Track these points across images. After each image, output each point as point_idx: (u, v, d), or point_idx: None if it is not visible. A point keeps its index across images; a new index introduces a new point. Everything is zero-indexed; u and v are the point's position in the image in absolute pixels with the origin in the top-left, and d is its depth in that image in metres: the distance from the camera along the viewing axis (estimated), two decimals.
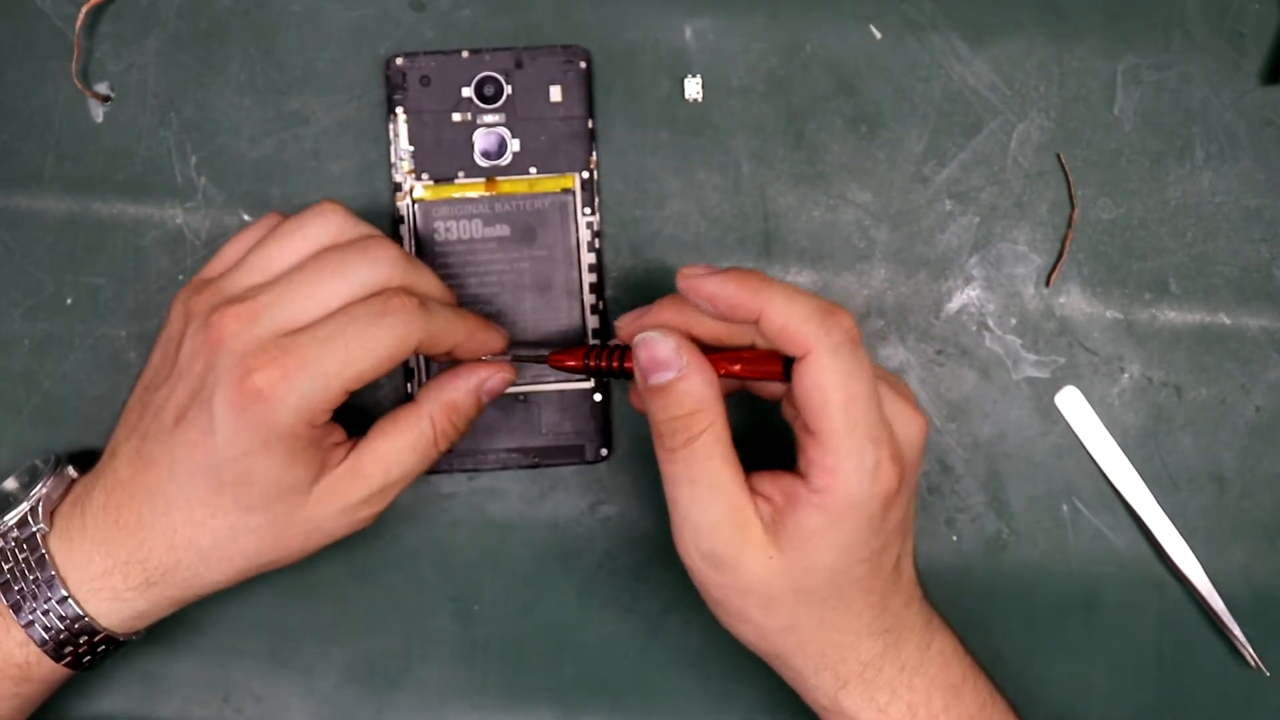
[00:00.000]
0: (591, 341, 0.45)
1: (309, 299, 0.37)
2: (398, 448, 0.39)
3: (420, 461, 0.40)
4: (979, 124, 0.46)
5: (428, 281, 0.40)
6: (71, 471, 0.41)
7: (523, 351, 0.42)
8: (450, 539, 0.46)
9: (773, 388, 0.39)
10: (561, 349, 0.40)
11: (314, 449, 0.38)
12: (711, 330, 0.37)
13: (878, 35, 0.46)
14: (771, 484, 0.37)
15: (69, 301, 0.45)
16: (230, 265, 0.40)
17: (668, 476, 0.37)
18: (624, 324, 0.39)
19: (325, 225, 0.39)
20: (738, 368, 0.37)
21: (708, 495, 0.36)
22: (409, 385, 0.45)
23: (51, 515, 0.39)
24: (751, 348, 0.37)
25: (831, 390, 0.35)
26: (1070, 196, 0.46)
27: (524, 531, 0.46)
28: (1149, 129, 0.46)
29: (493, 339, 0.41)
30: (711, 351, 0.37)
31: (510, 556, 0.46)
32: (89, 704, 0.45)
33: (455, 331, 0.39)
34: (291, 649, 0.46)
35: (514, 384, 0.44)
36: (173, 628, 0.45)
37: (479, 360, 0.41)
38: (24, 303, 0.45)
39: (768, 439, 0.43)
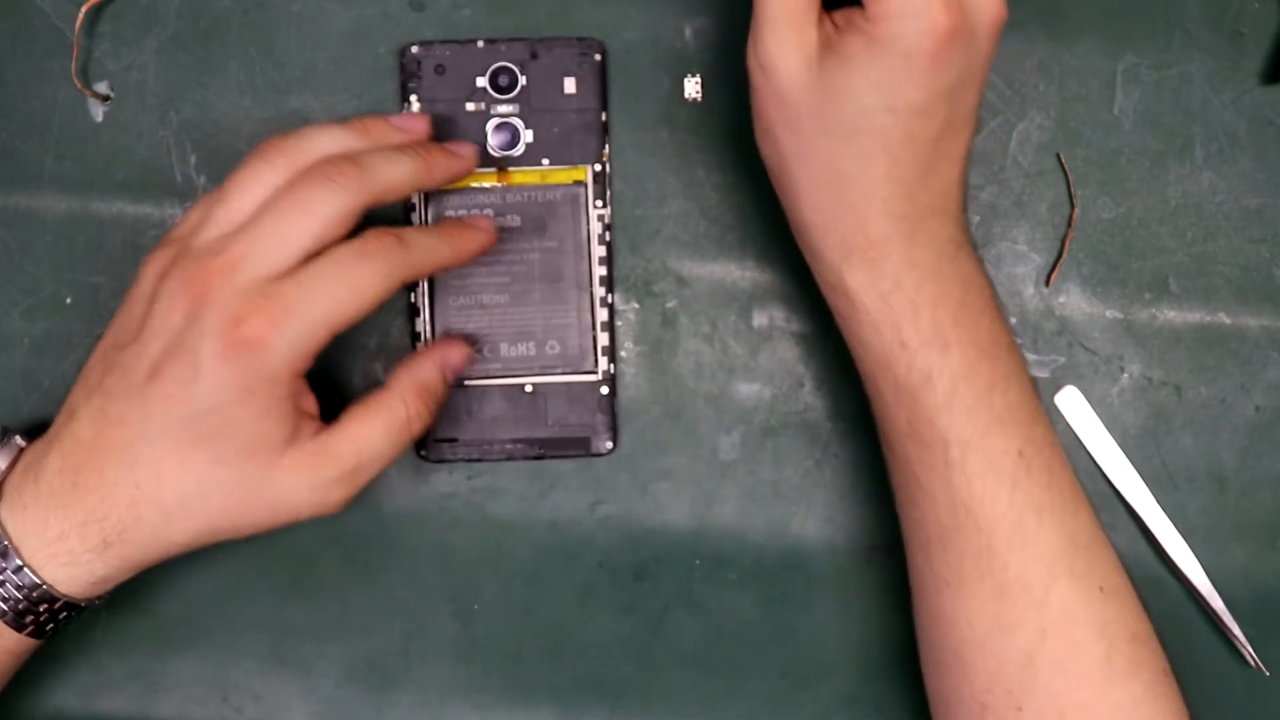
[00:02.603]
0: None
1: (283, 243, 0.37)
2: (370, 430, 0.39)
3: (393, 445, 0.40)
4: (978, 123, 0.46)
5: (389, 174, 0.39)
6: (19, 441, 0.41)
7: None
8: (450, 538, 0.46)
9: None
10: None
11: (290, 404, 0.38)
12: None
13: None
14: (844, 13, 0.37)
15: (68, 301, 0.45)
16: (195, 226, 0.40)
17: None
18: None
19: (273, 164, 0.39)
20: None
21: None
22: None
23: (1, 486, 0.39)
24: None
25: None
26: (1070, 196, 0.46)
27: (524, 531, 0.46)
28: (1149, 128, 0.46)
29: (480, 238, 0.42)
30: None
31: (510, 556, 0.46)
32: (88, 703, 0.45)
33: (440, 253, 0.40)
34: (291, 649, 0.46)
35: (518, 375, 0.45)
36: (173, 627, 0.45)
37: (439, 341, 0.43)
38: (23, 302, 0.45)
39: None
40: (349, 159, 0.39)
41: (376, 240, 0.38)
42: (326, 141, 0.40)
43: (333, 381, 0.45)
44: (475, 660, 0.46)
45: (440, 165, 0.41)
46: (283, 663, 0.46)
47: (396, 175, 0.39)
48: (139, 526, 0.38)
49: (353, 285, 0.38)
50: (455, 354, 0.42)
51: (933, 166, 0.38)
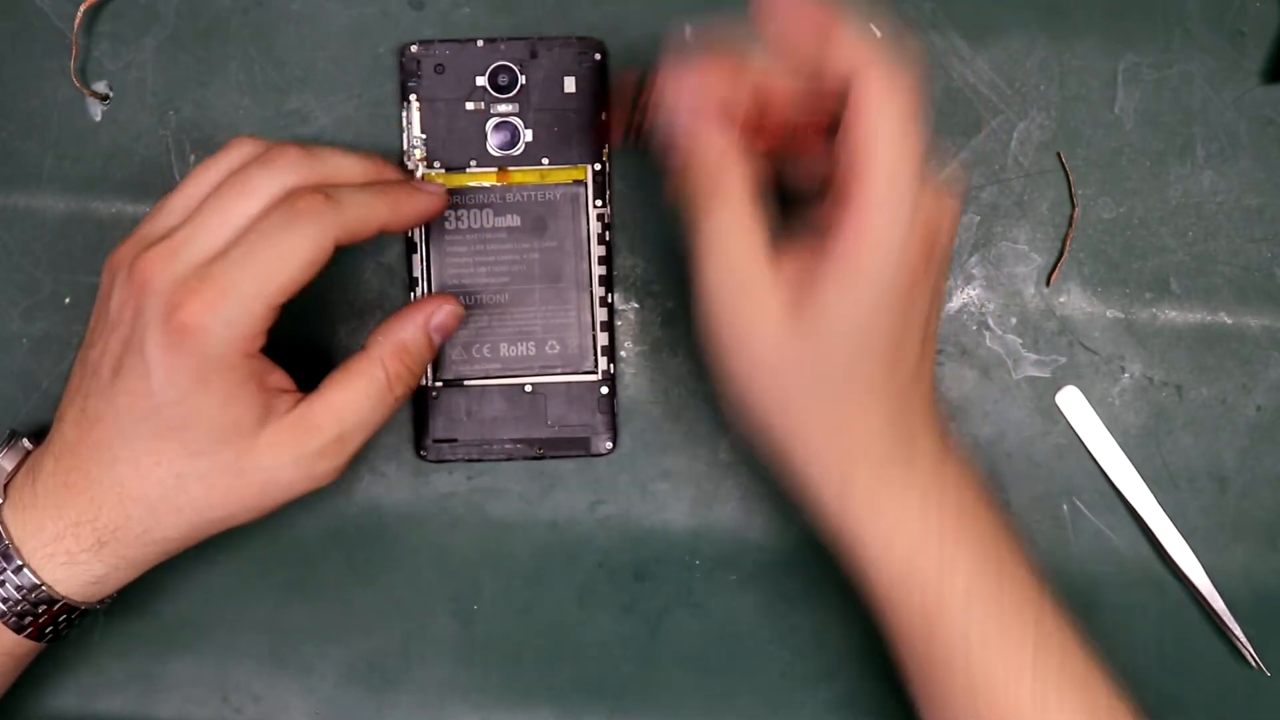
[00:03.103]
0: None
1: (221, 225, 0.37)
2: (350, 396, 0.39)
3: (375, 409, 0.39)
4: (979, 123, 0.46)
5: (339, 166, 0.39)
6: (26, 444, 0.41)
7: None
8: (450, 539, 0.46)
9: (808, 165, 0.37)
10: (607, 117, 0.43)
11: (253, 385, 0.37)
12: (755, 92, 0.37)
13: (878, 35, 0.46)
14: (795, 253, 0.36)
15: (67, 301, 0.45)
16: None
17: (693, 247, 0.37)
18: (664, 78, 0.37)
19: (238, 154, 0.39)
20: (777, 123, 0.36)
21: (722, 261, 0.36)
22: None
23: (6, 488, 0.39)
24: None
25: (882, 136, 0.34)
26: (1071, 195, 0.46)
27: (524, 531, 0.46)
28: (1150, 128, 0.46)
29: (422, 201, 0.40)
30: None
31: (510, 556, 0.46)
32: (88, 703, 0.45)
33: (376, 211, 0.38)
34: (291, 649, 0.46)
35: (518, 375, 0.44)
36: (173, 627, 0.45)
37: (426, 297, 0.41)
38: (22, 302, 0.45)
39: None
40: (301, 147, 0.38)
41: (303, 200, 0.37)
42: (298, 151, 0.39)
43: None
44: (475, 660, 0.46)
45: (394, 184, 0.40)
46: (283, 663, 0.46)
47: (344, 164, 0.39)
48: (129, 524, 0.38)
49: (281, 253, 0.36)
50: (443, 311, 0.41)
51: (915, 381, 0.38)
